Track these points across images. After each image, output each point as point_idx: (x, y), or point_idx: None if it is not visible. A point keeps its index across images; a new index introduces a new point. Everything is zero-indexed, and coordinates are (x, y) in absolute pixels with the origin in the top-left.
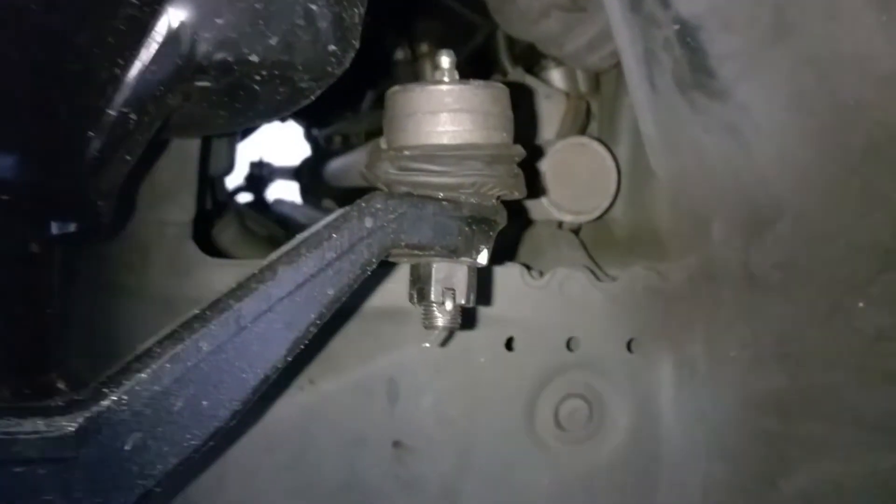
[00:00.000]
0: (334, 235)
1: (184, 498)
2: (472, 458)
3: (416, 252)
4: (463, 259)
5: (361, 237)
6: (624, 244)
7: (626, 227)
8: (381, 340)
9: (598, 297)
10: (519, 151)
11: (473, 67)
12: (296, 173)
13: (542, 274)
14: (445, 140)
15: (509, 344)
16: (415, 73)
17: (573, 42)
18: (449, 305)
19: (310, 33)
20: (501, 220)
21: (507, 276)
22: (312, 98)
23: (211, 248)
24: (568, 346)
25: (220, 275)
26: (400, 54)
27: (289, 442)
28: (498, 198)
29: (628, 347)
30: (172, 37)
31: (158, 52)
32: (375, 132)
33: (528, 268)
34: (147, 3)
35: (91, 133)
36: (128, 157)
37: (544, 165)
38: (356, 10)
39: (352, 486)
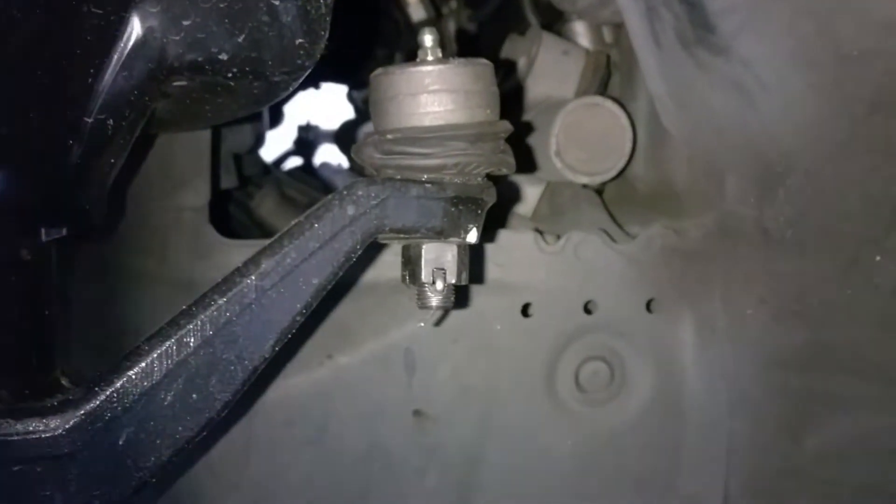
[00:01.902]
0: (316, 225)
1: (211, 473)
2: (492, 423)
3: (402, 235)
4: (452, 239)
5: (344, 225)
6: (646, 201)
7: (648, 184)
8: (396, 312)
9: (614, 259)
10: (505, 127)
11: (499, 22)
12: (336, 137)
13: (557, 238)
14: (427, 122)
15: (525, 310)
16: (440, 31)
17: None
18: (440, 285)
19: (275, 28)
20: (489, 197)
21: (521, 243)
22: (290, 90)
23: (249, 221)
24: (586, 309)
25: (238, 255)
26: (423, 13)
27: (310, 416)
28: (485, 176)
29: (648, 308)
30: (140, 42)
31: (128, 57)
32: None
33: (542, 233)
34: (111, 12)
35: (71, 141)
36: (112, 160)
37: (556, 127)
38: (322, 0)
39: (374, 456)
